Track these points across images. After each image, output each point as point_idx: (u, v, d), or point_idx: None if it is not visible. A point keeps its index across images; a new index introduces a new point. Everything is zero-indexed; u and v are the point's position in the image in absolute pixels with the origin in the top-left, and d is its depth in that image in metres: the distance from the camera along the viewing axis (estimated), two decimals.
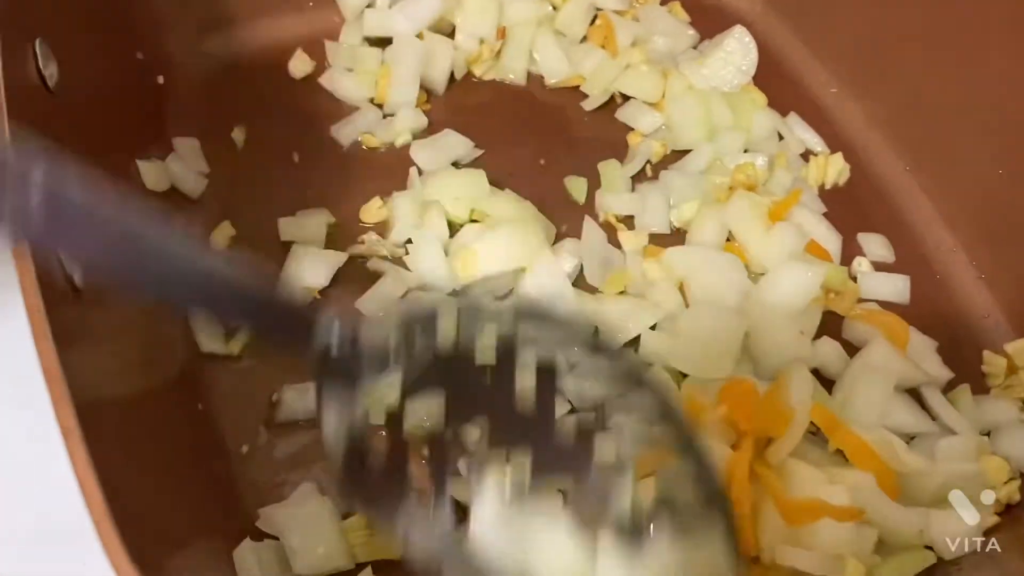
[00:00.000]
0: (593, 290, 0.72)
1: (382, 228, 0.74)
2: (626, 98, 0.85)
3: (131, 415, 0.50)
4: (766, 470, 0.59)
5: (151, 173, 0.69)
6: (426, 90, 0.83)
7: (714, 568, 0.45)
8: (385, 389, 0.46)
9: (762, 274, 0.73)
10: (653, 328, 0.68)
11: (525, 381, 0.46)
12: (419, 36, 0.83)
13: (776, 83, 0.87)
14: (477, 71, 0.85)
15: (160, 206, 0.71)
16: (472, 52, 0.85)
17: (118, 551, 0.35)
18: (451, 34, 0.85)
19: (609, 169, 0.80)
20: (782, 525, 0.57)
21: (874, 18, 0.82)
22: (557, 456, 0.46)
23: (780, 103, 0.86)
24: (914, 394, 0.68)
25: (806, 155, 0.84)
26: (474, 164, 0.78)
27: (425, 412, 0.46)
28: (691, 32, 0.91)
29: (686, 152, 0.82)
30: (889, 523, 0.58)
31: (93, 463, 0.36)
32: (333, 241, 0.72)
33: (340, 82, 0.82)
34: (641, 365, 0.63)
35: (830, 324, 0.71)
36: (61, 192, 0.35)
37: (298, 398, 0.65)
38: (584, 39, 0.89)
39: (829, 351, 0.69)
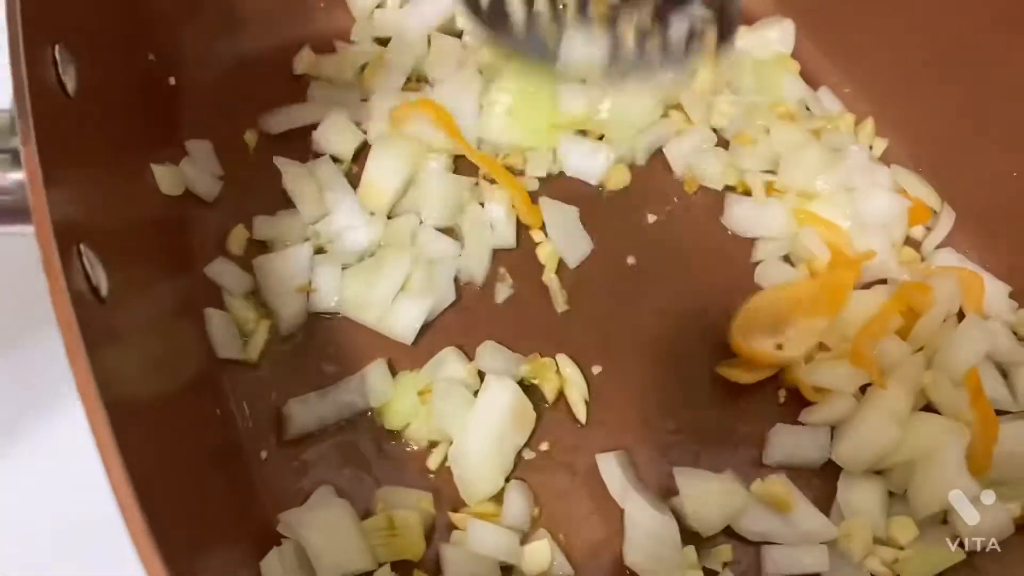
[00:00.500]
0: None
1: None
2: None
3: (153, 421, 0.50)
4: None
5: (166, 177, 0.69)
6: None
7: None
8: None
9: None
10: None
11: None
12: (428, 37, 0.83)
13: None
14: None
15: (177, 211, 0.71)
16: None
17: (151, 556, 0.36)
18: (460, 35, 0.85)
19: None
20: None
21: (886, 19, 0.82)
22: None
23: None
24: None
25: None
26: None
27: None
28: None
29: None
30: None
31: (126, 470, 0.36)
32: None
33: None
34: None
35: None
36: None
37: (306, 411, 0.65)
38: None
39: None
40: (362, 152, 0.77)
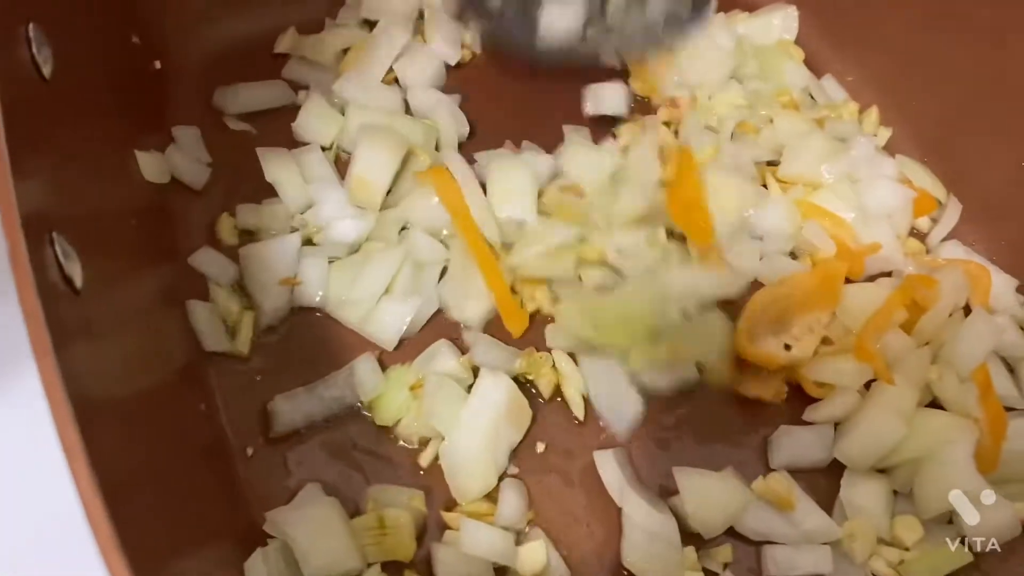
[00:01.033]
0: None
1: None
2: None
3: (132, 418, 0.48)
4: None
5: (151, 164, 0.67)
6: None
7: None
8: None
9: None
10: None
11: None
12: (420, 15, 0.81)
13: None
14: None
15: (162, 199, 0.69)
16: None
17: (116, 560, 0.34)
18: None
19: None
20: None
21: (891, 6, 0.80)
22: None
23: None
24: None
25: None
26: None
27: None
28: None
29: None
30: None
31: (94, 472, 0.34)
32: None
33: None
34: None
35: None
36: None
37: (293, 408, 0.63)
38: None
39: None
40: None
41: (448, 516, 0.60)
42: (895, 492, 0.63)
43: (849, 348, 0.65)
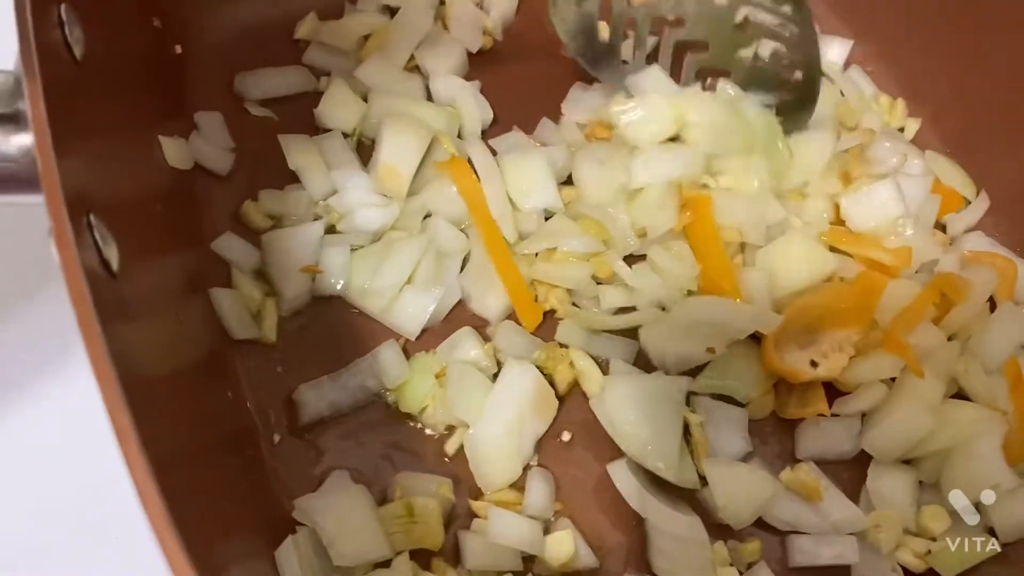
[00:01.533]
0: None
1: None
2: None
3: (166, 404, 0.47)
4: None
5: (174, 150, 0.66)
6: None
7: None
8: None
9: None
10: None
11: None
12: (440, 1, 0.81)
13: None
14: None
15: (187, 184, 0.68)
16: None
17: (175, 548, 0.33)
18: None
19: None
20: None
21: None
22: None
23: None
24: None
25: None
26: None
27: None
28: None
29: None
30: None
31: (144, 455, 0.34)
32: None
33: None
34: None
35: None
36: None
37: (318, 396, 0.62)
38: None
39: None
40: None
41: (476, 505, 0.60)
42: (921, 483, 0.63)
43: (877, 342, 0.65)
